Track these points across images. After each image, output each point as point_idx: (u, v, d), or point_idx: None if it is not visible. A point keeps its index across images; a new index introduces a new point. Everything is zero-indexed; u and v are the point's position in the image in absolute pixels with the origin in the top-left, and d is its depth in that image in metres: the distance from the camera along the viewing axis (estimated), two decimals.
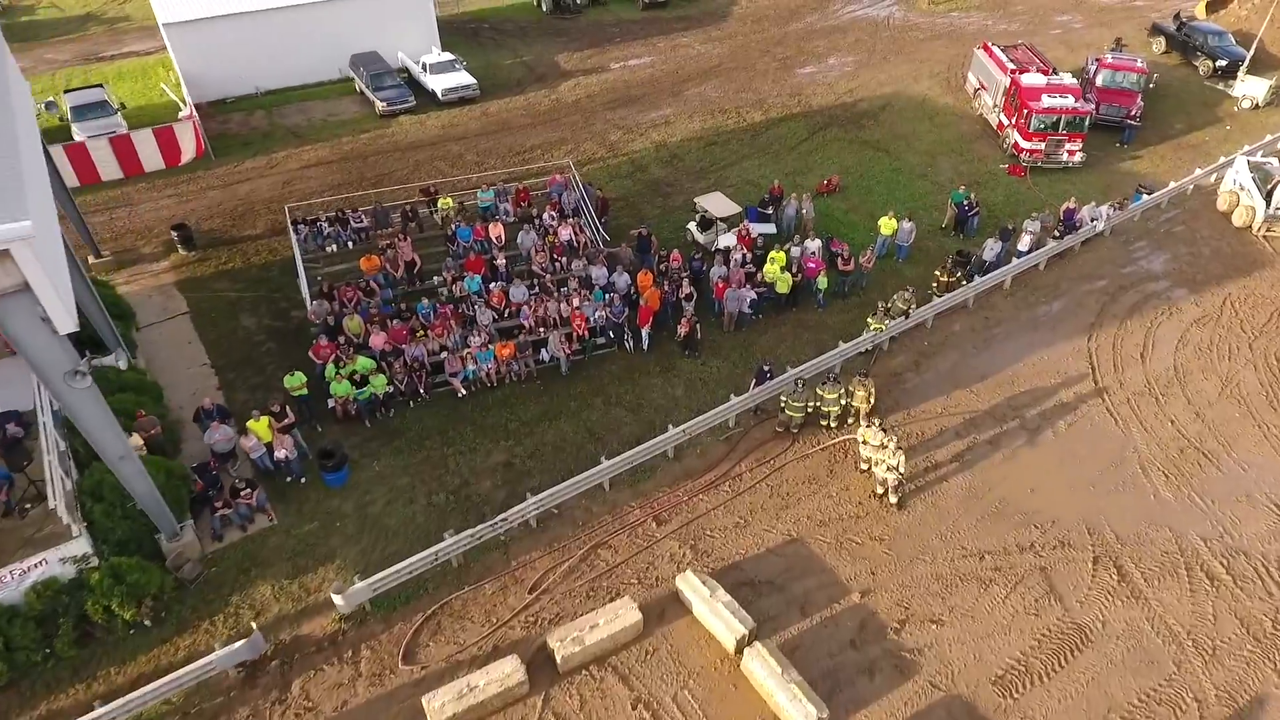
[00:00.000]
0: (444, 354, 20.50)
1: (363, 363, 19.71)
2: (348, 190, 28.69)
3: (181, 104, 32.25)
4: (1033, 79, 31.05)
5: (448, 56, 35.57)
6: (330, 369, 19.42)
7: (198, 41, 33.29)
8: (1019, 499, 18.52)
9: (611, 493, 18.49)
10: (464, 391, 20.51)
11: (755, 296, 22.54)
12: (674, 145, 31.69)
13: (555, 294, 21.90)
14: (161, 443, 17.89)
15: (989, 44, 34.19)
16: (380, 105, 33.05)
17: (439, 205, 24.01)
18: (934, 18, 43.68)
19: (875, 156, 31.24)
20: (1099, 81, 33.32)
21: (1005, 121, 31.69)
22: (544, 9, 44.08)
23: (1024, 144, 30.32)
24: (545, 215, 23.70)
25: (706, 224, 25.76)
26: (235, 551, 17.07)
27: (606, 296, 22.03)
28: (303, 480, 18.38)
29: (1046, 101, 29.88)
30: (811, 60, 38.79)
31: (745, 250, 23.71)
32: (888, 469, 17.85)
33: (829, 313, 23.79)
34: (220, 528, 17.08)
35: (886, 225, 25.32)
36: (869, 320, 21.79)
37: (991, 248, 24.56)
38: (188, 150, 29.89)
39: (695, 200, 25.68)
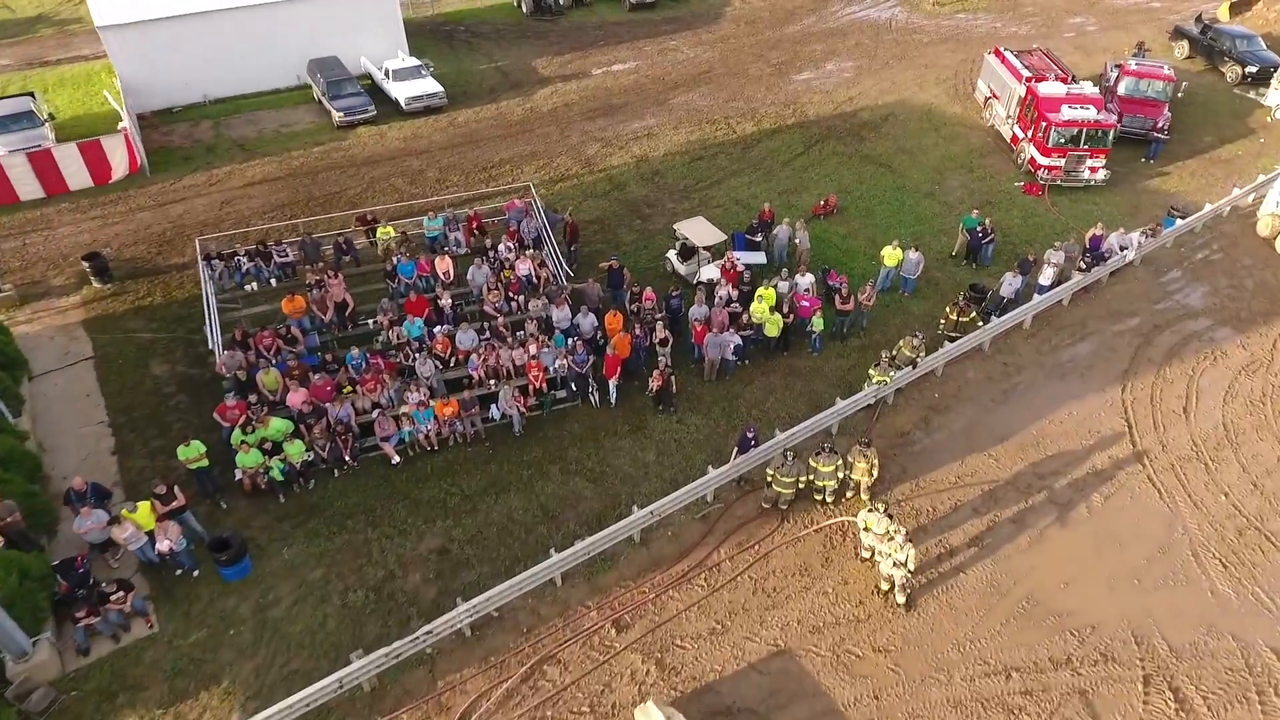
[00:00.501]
0: (376, 413, 17.27)
1: (276, 426, 16.46)
2: (293, 211, 25.43)
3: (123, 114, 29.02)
4: (1051, 88, 27.69)
5: (413, 62, 32.26)
6: (237, 434, 16.18)
7: (139, 46, 30.00)
8: (1050, 596, 15.25)
9: (564, 588, 15.23)
10: (398, 458, 17.26)
11: (740, 342, 19.27)
12: (656, 160, 28.38)
13: (510, 340, 18.65)
14: (24, 531, 14.67)
15: (1001, 49, 30.82)
16: (337, 115, 29.75)
17: (378, 236, 20.73)
18: (939, 20, 40.28)
19: (877, 173, 27.92)
20: (1121, 90, 29.95)
21: (1020, 135, 28.35)
22: (524, 10, 40.73)
23: (1041, 160, 26.98)
24: (501, 246, 20.41)
25: (688, 252, 22.48)
26: (102, 670, 13.78)
27: (569, 342, 18.78)
28: (195, 573, 15.15)
29: (1067, 113, 26.53)
30: (808, 66, 35.45)
31: (730, 286, 20.42)
32: (894, 564, 14.59)
33: (825, 357, 20.50)
34: (86, 640, 13.84)
35: (890, 256, 22.01)
36: (871, 372, 18.49)
37: (1010, 283, 21.23)
38: (119, 166, 26.63)
39: (675, 226, 22.40)
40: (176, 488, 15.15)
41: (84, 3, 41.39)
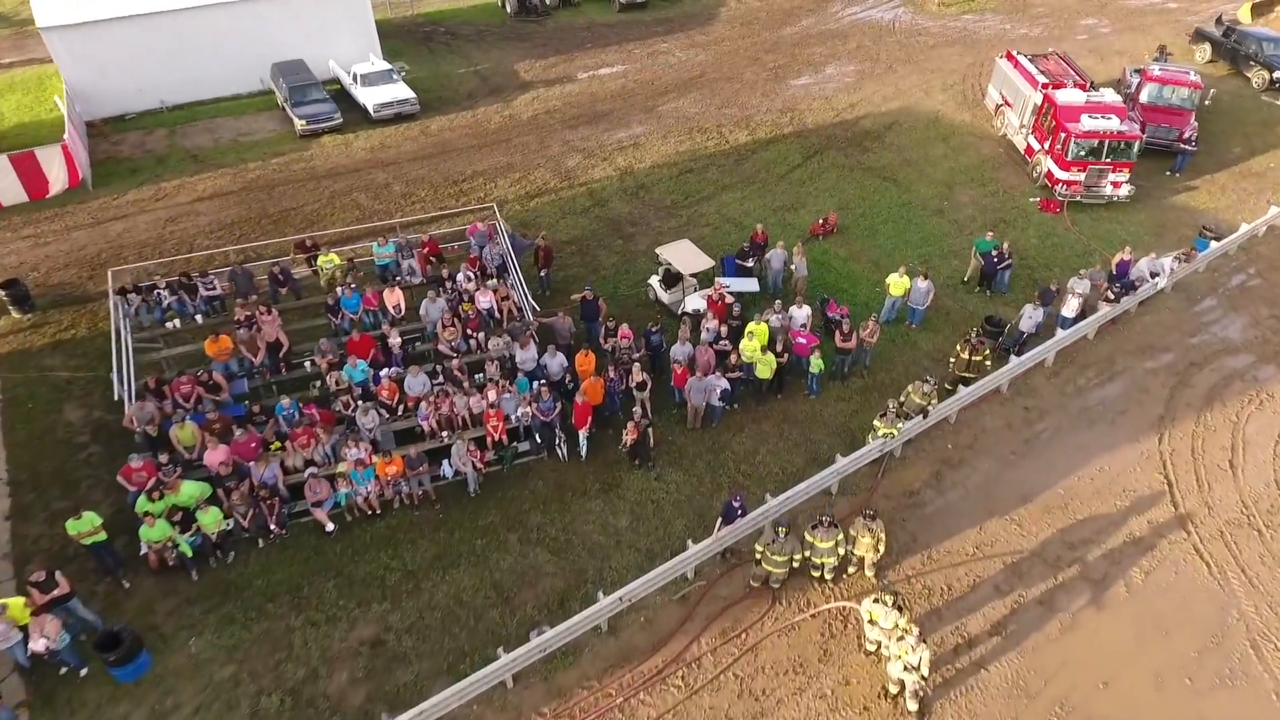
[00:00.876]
0: (309, 472, 14.85)
1: (188, 491, 14.01)
2: (243, 230, 22.98)
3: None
4: (1070, 96, 25.19)
5: (383, 66, 29.77)
6: (142, 502, 13.76)
7: (87, 49, 27.54)
8: (1087, 699, 12.80)
9: (516, 690, 12.80)
10: (332, 526, 14.83)
11: (728, 386, 16.82)
12: (642, 173, 25.90)
13: (466, 384, 16.22)
14: None
15: (1014, 53, 28.30)
16: (299, 124, 27.28)
17: (319, 264, 18.25)
18: (945, 21, 37.75)
19: (881, 187, 25.42)
20: (1144, 98, 27.43)
21: (1036, 146, 25.86)
22: (508, 11, 38.22)
23: (1059, 174, 24.49)
24: (460, 276, 17.94)
25: (672, 279, 20.00)
26: None
27: (534, 386, 16.36)
28: (82, 672, 12.71)
29: (1087, 124, 24.03)
30: (807, 70, 32.93)
31: (718, 321, 17.97)
32: (905, 667, 12.16)
33: (824, 400, 18.05)
34: None
35: (897, 285, 19.51)
36: (876, 424, 16.02)
37: (1030, 316, 18.73)
38: (58, 180, 24.16)
39: (658, 251, 19.91)
40: (58, 573, 12.70)
41: None
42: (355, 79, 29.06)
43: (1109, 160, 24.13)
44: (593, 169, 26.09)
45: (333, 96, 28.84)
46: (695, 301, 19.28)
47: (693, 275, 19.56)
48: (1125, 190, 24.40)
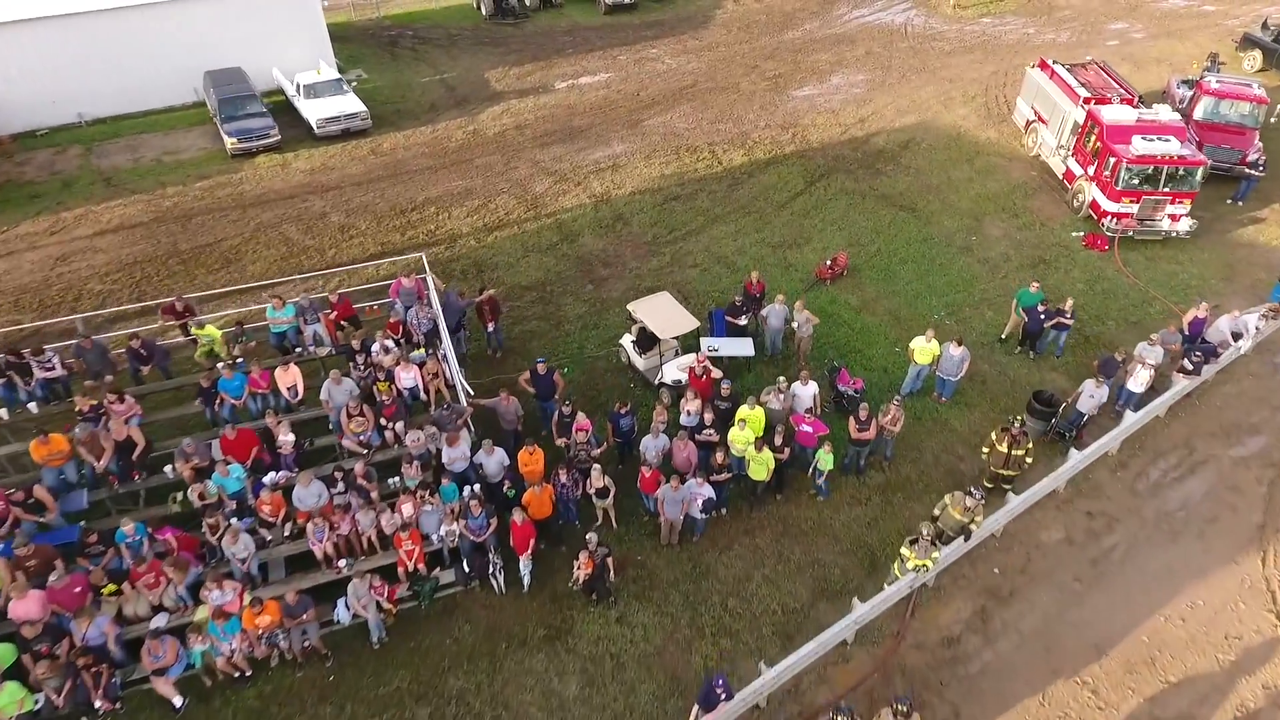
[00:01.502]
0: (152, 626, 10.96)
1: None
2: (147, 271, 19.04)
3: None
4: (1118, 113, 21.16)
5: (331, 75, 25.78)
6: None
7: None
8: None
9: None
10: (181, 700, 10.93)
11: (711, 495, 12.87)
12: (620, 201, 21.92)
13: (375, 495, 12.31)
14: None
15: (1048, 61, 24.27)
16: (229, 141, 23.32)
17: (195, 336, 14.27)
18: (961, 25, 33.67)
19: (898, 219, 21.41)
20: (1199, 114, 23.35)
21: (1077, 170, 21.85)
22: (483, 13, 34.19)
23: (1107, 205, 20.47)
24: (376, 347, 13.97)
25: (648, 341, 16.05)
26: None
27: (463, 495, 12.47)
28: None
29: (1141, 146, 20.00)
30: (811, 79, 28.90)
31: (701, 401, 14.02)
32: None
33: (834, 504, 14.09)
34: None
35: (923, 352, 15.50)
36: (904, 552, 12.03)
37: (1091, 394, 14.70)
38: None
39: (631, 308, 15.94)
40: None
41: None
42: (298, 90, 25.10)
43: (1167, 190, 20.12)
44: (564, 196, 22.10)
45: (273, 110, 24.91)
46: (675, 371, 15.32)
47: (673, 339, 15.63)
48: (1185, 225, 20.37)
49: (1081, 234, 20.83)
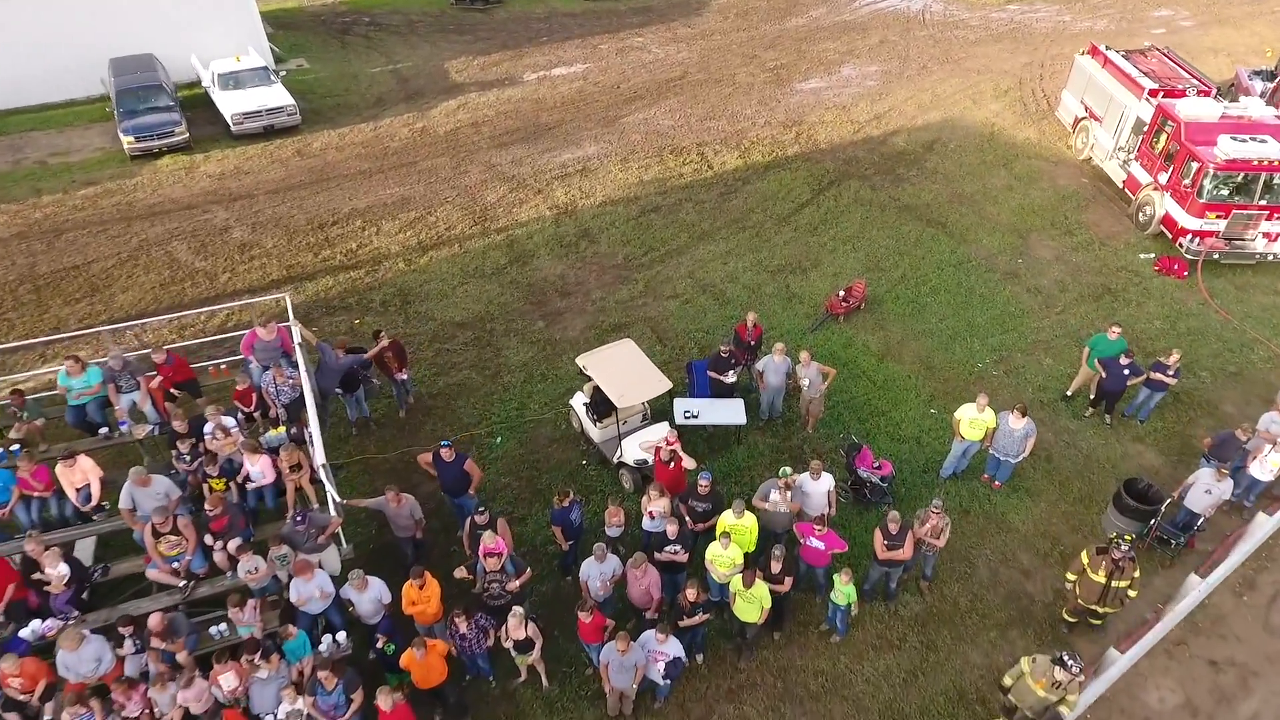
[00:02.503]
0: None
1: None
2: None
3: None
4: (1198, 108, 16.88)
5: (255, 63, 21.58)
6: None
7: None
8: None
9: None
10: None
11: (680, 655, 8.73)
12: (588, 213, 17.74)
13: (185, 658, 8.23)
14: None
15: (1101, 47, 20.00)
16: (125, 140, 19.19)
17: None
18: (987, 11, 29.32)
19: (925, 236, 17.20)
20: None
21: (1143, 177, 17.61)
22: None
23: (1187, 220, 16.25)
24: (209, 427, 9.79)
25: (606, 404, 11.87)
26: None
27: (317, 650, 8.39)
28: None
29: (1229, 148, 15.74)
30: (817, 70, 24.65)
31: (667, 500, 9.88)
32: None
33: (854, 648, 9.85)
34: None
35: (973, 425, 11.21)
36: None
37: (1209, 488, 10.48)
38: None
39: (581, 363, 11.78)
40: None
41: None
42: (214, 80, 20.96)
43: (1263, 202, 15.89)
44: (520, 207, 17.92)
45: (190, 105, 20.81)
46: (637, 450, 11.14)
47: (638, 404, 11.44)
48: None
49: (1153, 256, 16.59)
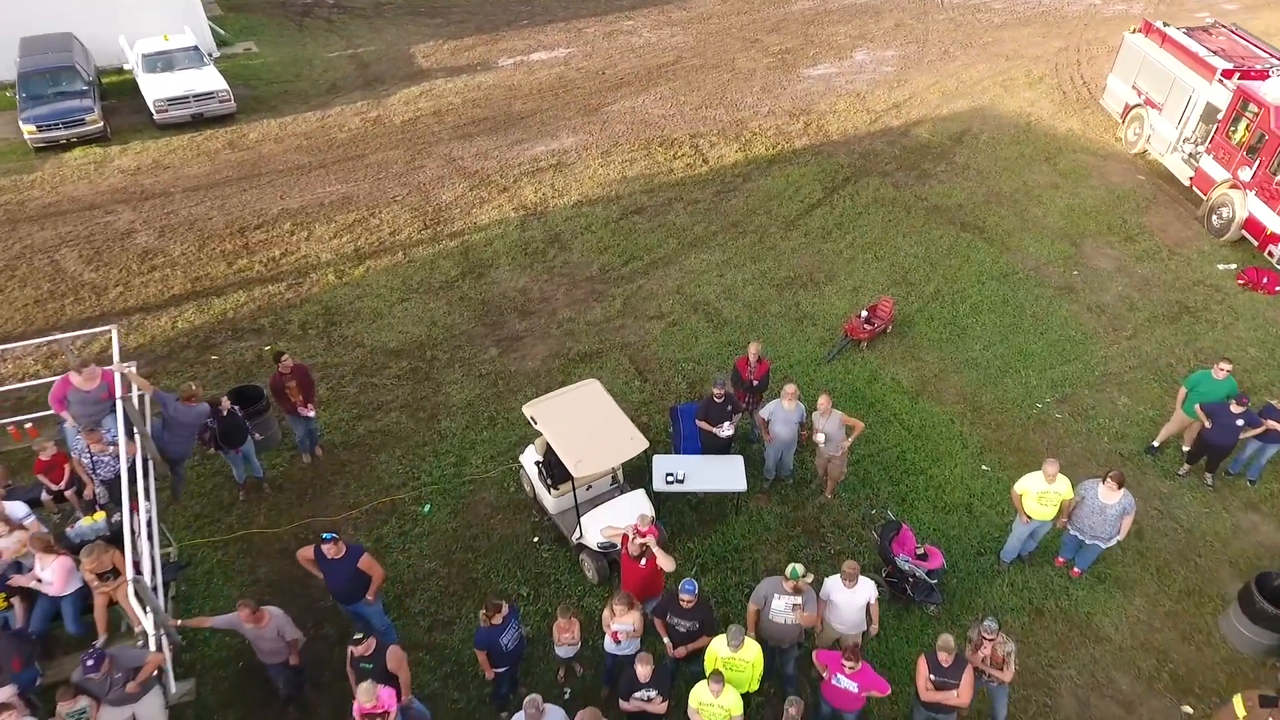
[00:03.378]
0: None
1: None
2: None
3: None
4: None
5: (185, 42, 18.60)
6: None
7: None
8: None
9: None
10: None
11: None
12: (560, 215, 14.81)
13: None
14: None
15: (1157, 24, 17.03)
16: (26, 130, 16.29)
17: None
18: None
19: (960, 243, 14.25)
20: None
21: (1217, 173, 14.65)
22: None
23: (1278, 224, 13.34)
24: None
25: (562, 469, 8.93)
26: None
27: None
28: None
29: None
30: (827, 55, 21.69)
31: (637, 614, 6.99)
32: None
33: None
34: None
35: (1045, 501, 8.12)
36: None
37: None
38: None
39: (530, 412, 8.89)
40: None
41: None
42: (139, 62, 18.06)
43: None
44: (480, 207, 14.98)
45: (108, 91, 17.95)
46: (599, 534, 8.22)
47: (603, 468, 8.50)
48: None
49: (1235, 268, 13.63)
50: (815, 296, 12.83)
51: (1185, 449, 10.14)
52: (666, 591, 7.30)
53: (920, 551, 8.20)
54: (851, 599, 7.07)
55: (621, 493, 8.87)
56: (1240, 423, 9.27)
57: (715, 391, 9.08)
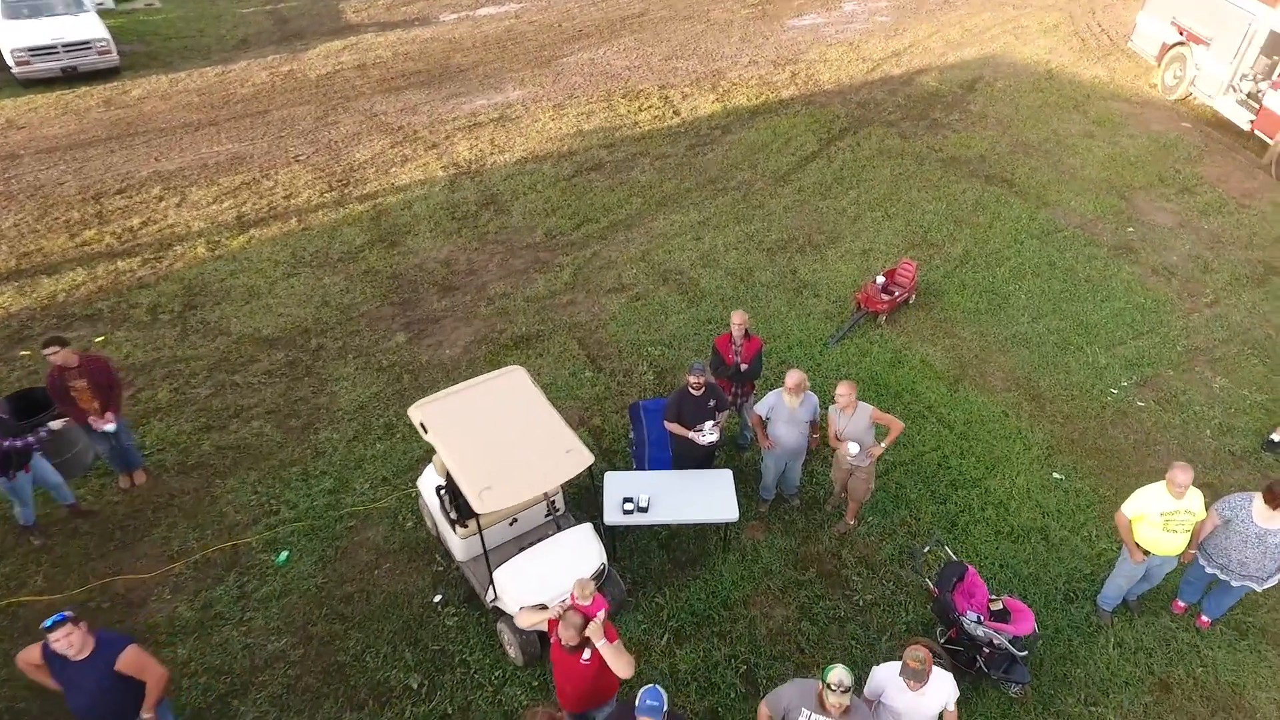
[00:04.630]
0: None
1: None
2: None
3: None
4: None
5: None
6: None
7: None
8: None
9: None
10: None
11: None
12: (498, 174, 11.99)
13: None
14: None
15: None
16: None
17: None
18: None
19: (986, 196, 11.64)
20: None
21: None
22: None
23: None
24: None
25: (466, 508, 6.13)
26: None
27: None
28: None
29: None
30: (813, 6, 18.93)
31: None
32: None
33: None
34: None
35: (1171, 526, 5.53)
36: None
37: None
38: None
39: (416, 415, 6.08)
40: None
41: None
42: (2, 6, 15.02)
43: None
44: (402, 166, 12.13)
45: None
46: (524, 602, 5.47)
47: (526, 499, 5.73)
48: None
49: None
50: (816, 261, 10.13)
51: None
52: (620, 704, 4.55)
53: (997, 606, 5.51)
54: (919, 705, 4.35)
55: (560, 528, 6.11)
56: None
57: (692, 381, 6.33)
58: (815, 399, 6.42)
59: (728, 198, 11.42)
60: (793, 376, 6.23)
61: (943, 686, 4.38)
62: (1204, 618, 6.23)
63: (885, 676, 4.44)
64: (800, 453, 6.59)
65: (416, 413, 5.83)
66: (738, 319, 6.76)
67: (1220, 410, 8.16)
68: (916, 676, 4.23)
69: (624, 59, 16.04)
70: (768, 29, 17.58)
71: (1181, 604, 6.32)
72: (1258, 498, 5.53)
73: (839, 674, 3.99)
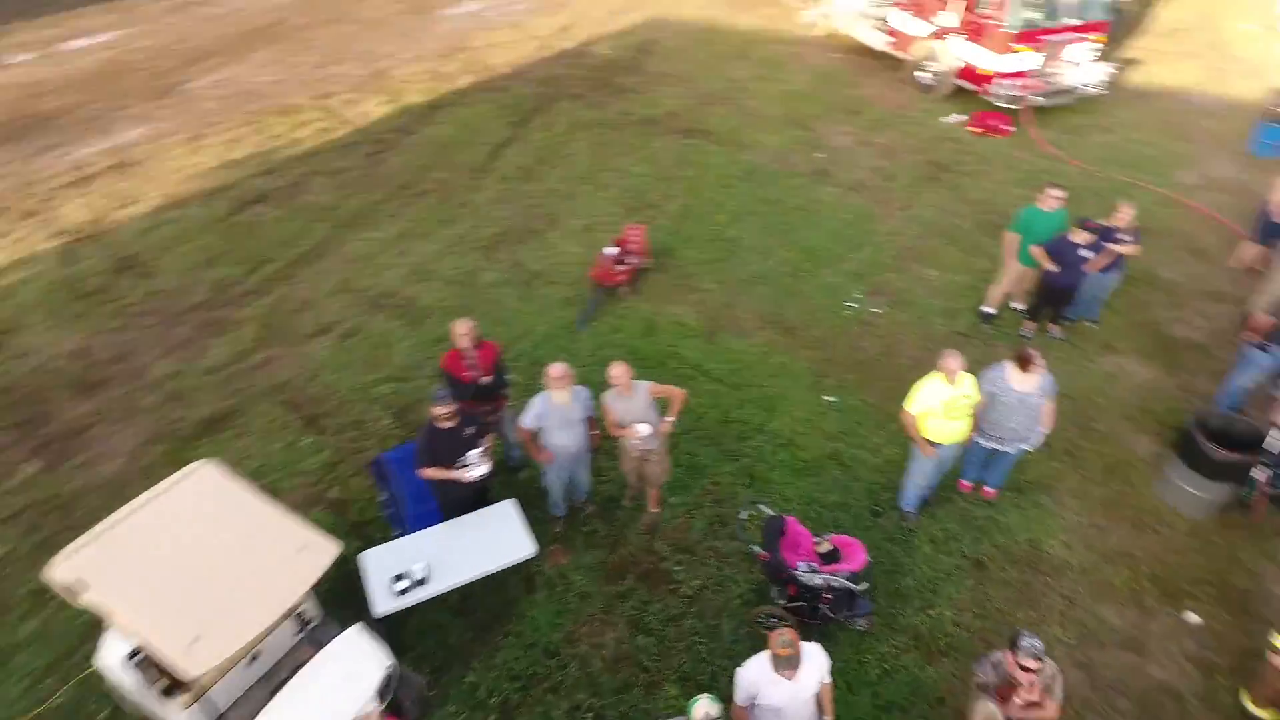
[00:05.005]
0: None
1: None
2: None
3: None
4: None
5: None
6: None
7: None
8: None
9: None
10: None
11: None
12: (130, 230, 9.71)
13: None
14: None
15: None
16: None
17: None
18: None
19: (688, 150, 11.66)
20: None
21: (915, 28, 13.80)
22: None
23: (990, 63, 12.56)
24: None
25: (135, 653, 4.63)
26: None
27: None
28: None
29: None
30: None
31: None
32: None
33: None
34: None
35: (951, 412, 5.65)
36: None
37: None
38: None
39: (62, 575, 4.44)
40: None
41: None
42: None
43: (1060, 25, 12.80)
44: None
45: None
46: None
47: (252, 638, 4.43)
48: (1095, 72, 13.28)
49: (964, 119, 12.92)
50: (539, 248, 9.58)
51: (1016, 306, 8.63)
52: None
53: (824, 548, 5.35)
54: (797, 691, 3.92)
55: (321, 643, 4.86)
56: (1091, 254, 7.76)
57: (437, 413, 5.40)
58: (586, 391, 5.83)
59: (426, 201, 10.45)
60: (554, 369, 5.57)
61: (814, 662, 4.01)
62: (988, 489, 6.69)
63: (755, 675, 3.95)
64: (583, 454, 5.96)
65: (64, 570, 4.26)
66: (461, 329, 5.92)
67: (941, 299, 8.98)
68: (790, 664, 3.79)
69: (266, 74, 14.23)
70: (426, 21, 16.71)
71: (966, 483, 6.74)
72: (1009, 365, 5.96)
73: (704, 708, 3.39)
